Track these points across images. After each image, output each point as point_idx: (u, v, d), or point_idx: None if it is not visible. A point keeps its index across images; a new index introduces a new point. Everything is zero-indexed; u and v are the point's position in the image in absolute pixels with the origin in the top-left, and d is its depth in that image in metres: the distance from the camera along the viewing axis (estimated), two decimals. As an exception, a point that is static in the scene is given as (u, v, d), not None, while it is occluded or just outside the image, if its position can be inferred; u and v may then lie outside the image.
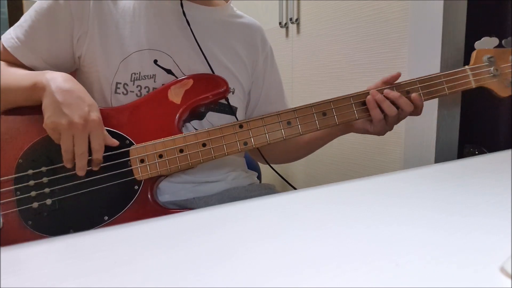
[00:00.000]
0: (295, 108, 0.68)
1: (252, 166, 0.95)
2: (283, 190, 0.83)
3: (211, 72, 0.72)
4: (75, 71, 0.74)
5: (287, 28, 1.40)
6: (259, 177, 0.97)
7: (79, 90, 0.61)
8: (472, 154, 0.93)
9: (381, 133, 0.72)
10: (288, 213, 0.40)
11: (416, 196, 0.43)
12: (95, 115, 0.60)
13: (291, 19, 1.35)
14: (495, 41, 0.71)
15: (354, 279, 0.26)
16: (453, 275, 0.26)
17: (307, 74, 1.32)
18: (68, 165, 0.61)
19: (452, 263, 0.27)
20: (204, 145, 0.65)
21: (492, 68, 0.70)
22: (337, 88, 1.20)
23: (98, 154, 0.61)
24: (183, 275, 0.27)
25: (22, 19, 0.69)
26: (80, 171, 0.61)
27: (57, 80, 0.60)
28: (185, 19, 0.71)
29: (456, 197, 0.42)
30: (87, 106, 0.59)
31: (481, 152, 0.92)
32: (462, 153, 0.95)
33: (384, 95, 0.68)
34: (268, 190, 0.82)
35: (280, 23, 1.40)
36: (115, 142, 0.63)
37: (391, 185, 0.48)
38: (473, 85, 0.70)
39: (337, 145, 0.81)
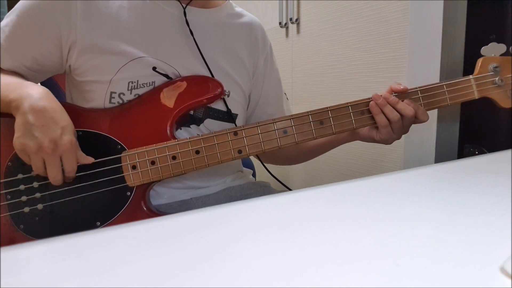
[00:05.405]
0: (292, 116, 0.66)
1: (246, 163, 0.95)
2: (278, 187, 0.84)
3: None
4: (64, 74, 0.72)
5: (287, 28, 1.40)
6: (254, 175, 0.97)
7: (54, 110, 0.57)
8: (472, 154, 0.93)
9: (388, 141, 0.70)
10: (288, 213, 0.40)
11: (416, 196, 0.43)
12: (67, 138, 0.57)
13: (291, 19, 1.35)
14: (502, 47, 0.69)
15: (354, 279, 0.26)
16: (453, 275, 0.26)
17: (307, 74, 1.32)
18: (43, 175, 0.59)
19: (452, 263, 0.27)
20: (197, 152, 0.64)
21: (497, 78, 0.67)
22: (337, 88, 1.20)
23: (70, 175, 0.60)
24: (183, 275, 0.27)
25: (3, 21, 0.65)
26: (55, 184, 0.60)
27: (31, 98, 0.56)
28: (187, 26, 0.69)
29: (456, 197, 0.42)
30: (60, 129, 0.56)
31: (481, 152, 0.92)
32: (462, 153, 0.95)
33: (384, 99, 0.67)
34: (264, 188, 0.82)
35: (280, 23, 1.40)
36: (90, 159, 0.61)
37: (391, 185, 0.48)
38: (476, 96, 0.68)
39: (337, 145, 0.81)
